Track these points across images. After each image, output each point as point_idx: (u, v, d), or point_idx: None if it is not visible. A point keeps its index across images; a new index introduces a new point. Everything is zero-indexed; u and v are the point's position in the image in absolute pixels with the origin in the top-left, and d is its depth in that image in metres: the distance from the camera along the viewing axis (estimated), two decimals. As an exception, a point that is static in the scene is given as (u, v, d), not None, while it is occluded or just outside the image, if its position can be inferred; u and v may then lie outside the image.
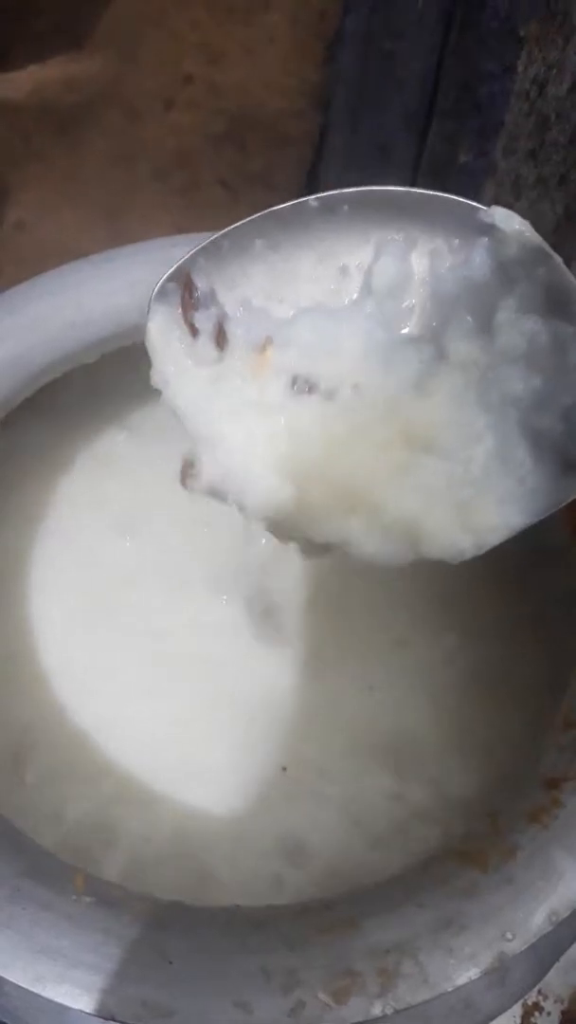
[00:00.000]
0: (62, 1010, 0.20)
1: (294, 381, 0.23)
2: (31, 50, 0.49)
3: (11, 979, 0.20)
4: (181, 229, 0.60)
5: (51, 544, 0.36)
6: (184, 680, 0.31)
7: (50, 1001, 0.20)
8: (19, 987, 0.20)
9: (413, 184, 0.48)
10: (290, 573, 0.34)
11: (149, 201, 0.57)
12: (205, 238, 0.34)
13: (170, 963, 0.20)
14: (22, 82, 0.51)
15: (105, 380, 0.36)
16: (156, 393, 0.39)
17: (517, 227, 0.22)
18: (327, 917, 0.21)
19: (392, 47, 0.42)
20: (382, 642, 0.33)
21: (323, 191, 0.52)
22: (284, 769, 0.30)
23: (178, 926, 0.21)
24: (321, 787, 0.29)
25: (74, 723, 0.29)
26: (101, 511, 0.37)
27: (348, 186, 0.49)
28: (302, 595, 0.34)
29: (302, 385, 0.23)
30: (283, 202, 0.61)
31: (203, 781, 0.29)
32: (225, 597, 0.36)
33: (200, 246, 0.24)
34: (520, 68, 0.38)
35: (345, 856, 0.27)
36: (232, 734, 0.31)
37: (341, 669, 0.33)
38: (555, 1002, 0.38)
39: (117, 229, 0.58)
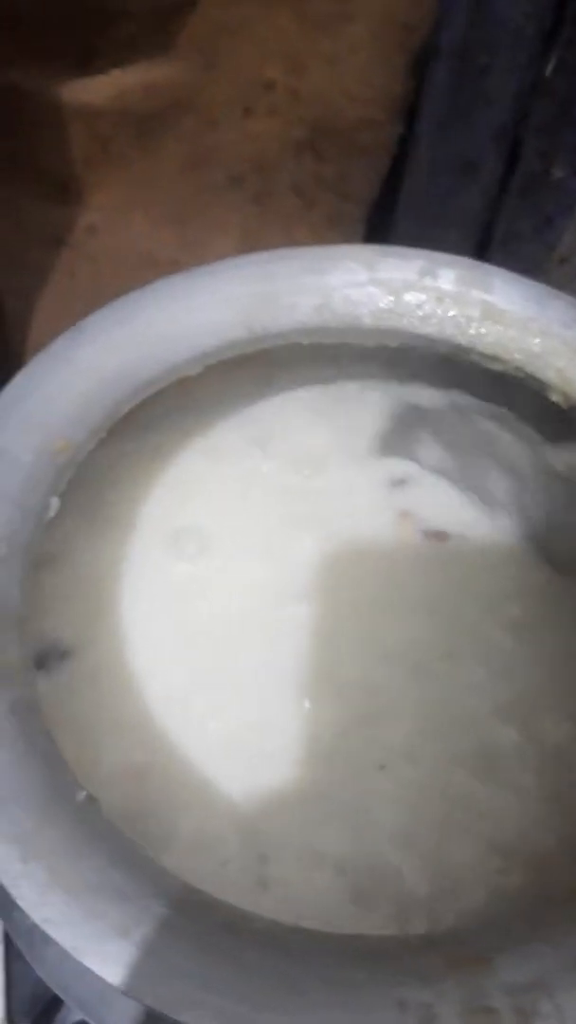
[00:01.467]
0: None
1: None
2: (115, 55, 0.49)
3: (146, 1002, 0.20)
4: (251, 236, 0.60)
5: (141, 560, 0.36)
6: (280, 689, 0.32)
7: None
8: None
9: (499, 201, 0.48)
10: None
11: (221, 207, 0.57)
12: (311, 250, 0.34)
13: (303, 993, 0.20)
14: (104, 87, 0.51)
15: (194, 394, 0.36)
16: (233, 410, 0.40)
17: None
18: (457, 951, 0.21)
19: (488, 62, 0.42)
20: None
21: (406, 205, 0.52)
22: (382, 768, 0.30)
23: (305, 954, 0.21)
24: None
25: (182, 742, 0.29)
26: (186, 525, 0.38)
27: (433, 198, 0.49)
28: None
29: None
30: (355, 211, 0.61)
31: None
32: (306, 610, 0.36)
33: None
34: (625, 86, 0.37)
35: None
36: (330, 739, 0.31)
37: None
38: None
39: (187, 235, 0.58)
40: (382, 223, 0.57)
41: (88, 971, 0.23)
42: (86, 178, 0.55)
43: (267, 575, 0.37)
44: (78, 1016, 0.34)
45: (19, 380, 0.29)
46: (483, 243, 0.49)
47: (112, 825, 0.23)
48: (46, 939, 0.24)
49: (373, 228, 0.57)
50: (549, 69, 0.40)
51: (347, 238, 0.58)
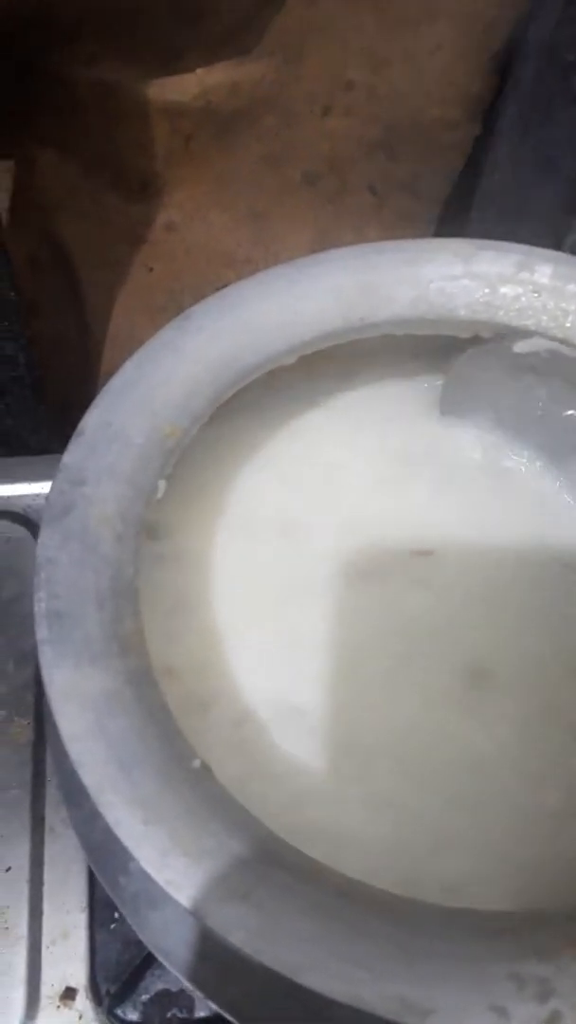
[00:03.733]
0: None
1: None
2: (202, 54, 0.51)
3: (269, 964, 0.21)
4: (324, 234, 0.61)
5: (230, 537, 0.37)
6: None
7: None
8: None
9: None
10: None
11: (296, 205, 0.58)
12: (410, 243, 0.34)
13: (421, 962, 0.21)
14: (189, 86, 0.52)
15: (286, 382, 0.37)
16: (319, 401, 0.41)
17: None
18: (572, 928, 0.21)
19: (572, 59, 0.42)
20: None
21: (482, 203, 0.52)
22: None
23: (424, 925, 0.21)
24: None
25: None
26: (266, 509, 0.38)
27: (510, 196, 0.49)
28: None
29: None
30: (427, 210, 0.61)
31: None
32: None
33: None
34: None
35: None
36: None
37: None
38: None
39: (262, 232, 0.59)
40: (454, 221, 0.57)
41: (193, 939, 0.24)
42: (167, 175, 0.56)
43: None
44: (160, 985, 0.35)
45: (130, 365, 0.30)
46: (559, 242, 0.49)
47: (226, 792, 0.24)
48: (152, 905, 0.25)
49: (444, 227, 0.58)
50: None
51: (418, 236, 0.59)
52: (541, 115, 0.47)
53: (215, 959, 0.24)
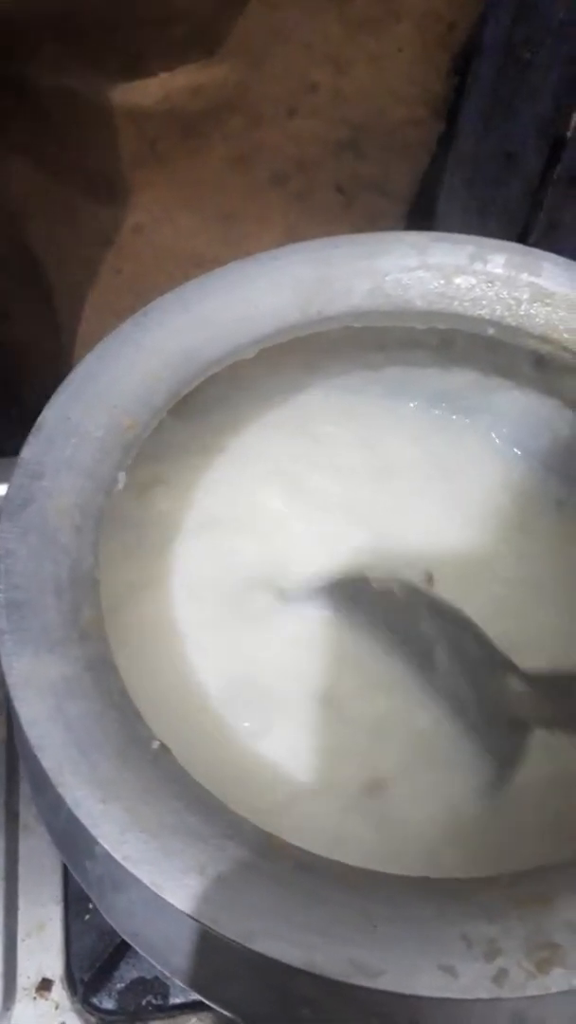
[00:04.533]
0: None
1: None
2: (164, 58, 0.51)
3: (225, 933, 0.21)
4: (293, 233, 0.61)
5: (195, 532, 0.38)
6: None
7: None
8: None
9: (540, 194, 0.49)
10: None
11: (264, 206, 0.59)
12: (366, 236, 0.35)
13: (374, 927, 0.21)
14: (152, 89, 0.53)
15: (248, 377, 0.37)
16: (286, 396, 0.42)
17: None
18: (518, 892, 0.22)
19: (530, 57, 0.43)
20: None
21: (447, 199, 0.53)
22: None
23: (376, 893, 0.22)
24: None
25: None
26: (232, 503, 0.39)
27: (474, 192, 0.50)
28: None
29: None
30: (395, 208, 0.62)
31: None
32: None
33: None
34: None
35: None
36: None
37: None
38: None
39: (230, 233, 0.60)
40: (421, 219, 0.58)
41: (157, 918, 0.24)
42: (133, 178, 0.57)
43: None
44: (135, 974, 0.36)
45: (90, 359, 0.30)
46: (523, 236, 0.50)
47: (185, 772, 0.24)
48: (117, 887, 0.25)
49: (413, 225, 0.58)
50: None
51: (386, 234, 0.59)
52: (502, 112, 0.48)
53: (180, 937, 0.25)
